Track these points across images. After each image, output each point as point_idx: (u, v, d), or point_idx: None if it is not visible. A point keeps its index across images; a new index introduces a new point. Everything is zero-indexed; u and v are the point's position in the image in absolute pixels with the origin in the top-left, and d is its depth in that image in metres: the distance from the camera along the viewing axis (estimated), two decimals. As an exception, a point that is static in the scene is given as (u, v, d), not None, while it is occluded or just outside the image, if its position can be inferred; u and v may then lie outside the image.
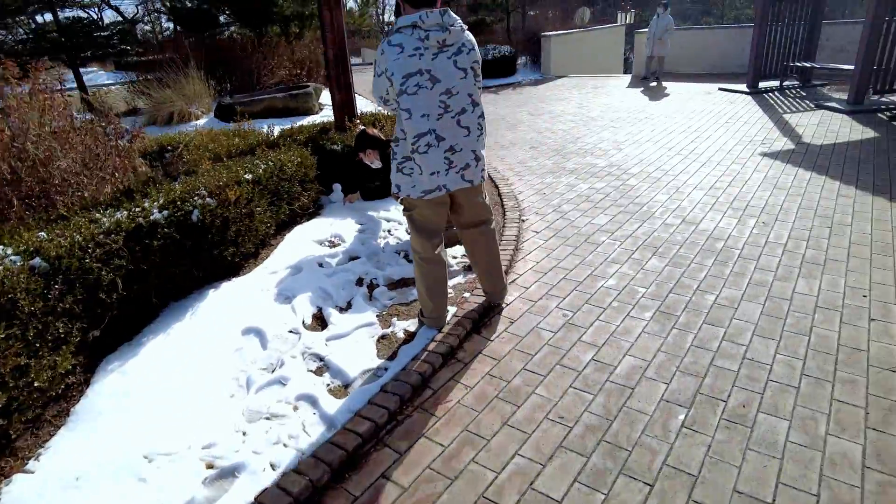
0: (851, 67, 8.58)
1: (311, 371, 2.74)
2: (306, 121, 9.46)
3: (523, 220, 4.67)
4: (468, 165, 2.62)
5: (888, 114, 7.65)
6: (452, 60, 2.45)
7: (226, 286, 3.25)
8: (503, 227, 4.49)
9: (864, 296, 3.21)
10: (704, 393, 2.49)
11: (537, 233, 4.41)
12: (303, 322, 3.06)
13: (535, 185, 5.64)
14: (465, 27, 2.52)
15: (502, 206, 5.00)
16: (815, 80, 10.51)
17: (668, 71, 13.10)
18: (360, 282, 3.48)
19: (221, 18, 13.24)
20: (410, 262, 3.85)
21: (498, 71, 14.23)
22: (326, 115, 10.12)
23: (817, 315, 3.04)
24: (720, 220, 4.40)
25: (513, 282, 3.61)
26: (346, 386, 2.66)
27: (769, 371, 2.61)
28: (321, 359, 2.80)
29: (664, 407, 2.42)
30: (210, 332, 2.87)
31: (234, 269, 3.40)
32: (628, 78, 13.08)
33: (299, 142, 4.75)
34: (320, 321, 3.12)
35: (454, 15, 2.45)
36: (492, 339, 3.00)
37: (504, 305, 3.32)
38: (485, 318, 3.19)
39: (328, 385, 2.65)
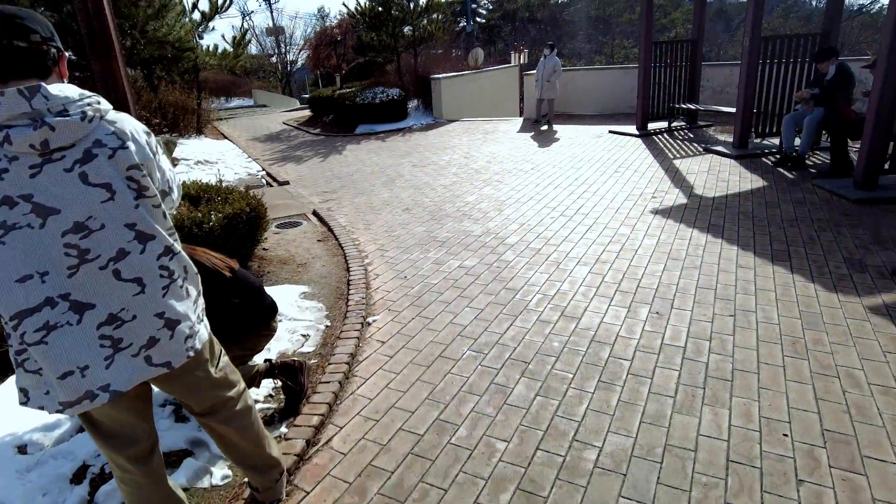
0: (733, 110, 8.41)
1: None
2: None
3: (368, 324, 3.65)
4: (155, 340, 1.54)
5: (772, 158, 7.42)
6: (78, 174, 1.38)
7: None
8: (337, 337, 3.44)
9: (785, 434, 2.42)
10: None
11: (383, 343, 3.40)
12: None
13: (398, 263, 4.67)
14: (108, 108, 1.46)
15: (346, 301, 3.96)
16: (700, 120, 10.44)
17: (559, 112, 12.83)
18: (79, 475, 2.28)
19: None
20: (185, 419, 2.70)
21: (387, 116, 13.43)
22: (179, 171, 8.78)
23: (730, 479, 2.19)
24: (606, 311, 3.59)
25: (327, 443, 2.55)
26: None
27: None
28: None
29: None
30: None
31: None
32: (520, 121, 12.68)
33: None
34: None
35: (66, 91, 1.38)
36: (262, 578, 1.90)
37: (302, 495, 2.25)
38: (263, 529, 2.10)
39: None
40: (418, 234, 5.38)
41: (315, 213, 6.24)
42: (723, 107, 9.23)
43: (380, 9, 14.94)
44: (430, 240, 5.21)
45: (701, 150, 8.35)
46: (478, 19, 47.20)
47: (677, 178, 6.79)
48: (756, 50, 7.60)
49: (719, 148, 8.13)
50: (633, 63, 31.55)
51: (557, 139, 10.00)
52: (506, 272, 4.32)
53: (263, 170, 9.10)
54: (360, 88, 14.62)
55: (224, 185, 4.82)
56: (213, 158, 9.88)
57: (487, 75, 16.09)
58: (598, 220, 5.38)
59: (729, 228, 4.97)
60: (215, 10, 12.91)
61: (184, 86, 13.78)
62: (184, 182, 4.68)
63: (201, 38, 13.07)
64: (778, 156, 7.40)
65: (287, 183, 8.00)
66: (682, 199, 5.93)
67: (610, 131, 10.30)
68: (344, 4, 21.39)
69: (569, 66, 29.94)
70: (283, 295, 3.92)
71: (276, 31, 45.81)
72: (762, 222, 5.08)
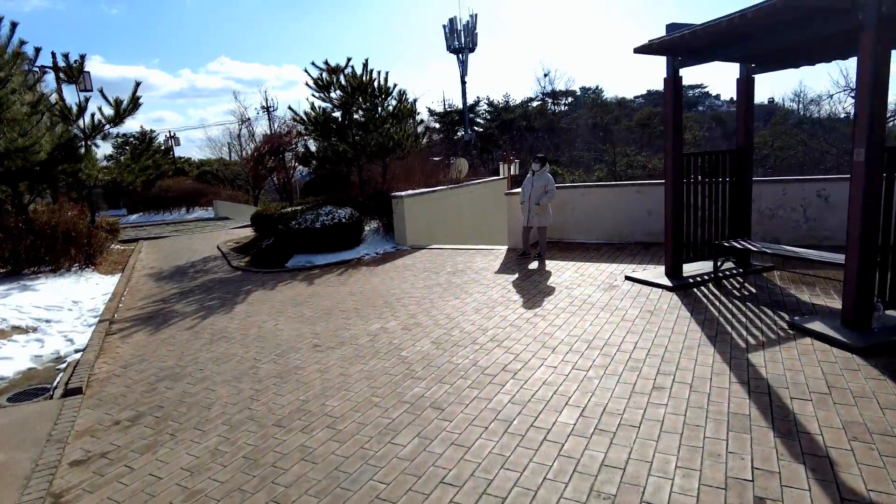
0: (836, 259, 5.21)
1: None
2: None
3: None
4: None
5: (943, 361, 4.06)
6: None
7: None
8: None
9: None
10: None
11: None
12: None
13: None
14: None
15: None
16: (754, 259, 7.25)
17: (553, 239, 9.73)
18: None
19: None
20: None
21: (333, 243, 10.35)
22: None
23: None
24: None
25: None
26: None
27: None
28: None
29: None
30: None
31: None
32: (503, 252, 9.53)
33: None
34: None
35: None
36: None
37: None
38: None
39: None
40: None
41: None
42: (811, 250, 5.98)
43: (336, 114, 12.38)
44: None
45: (784, 325, 5.04)
46: (475, 128, 46.46)
47: (782, 419, 3.38)
48: (877, 161, 4.50)
49: (818, 327, 4.80)
50: (637, 171, 29.30)
51: (551, 290, 6.73)
52: None
53: (85, 349, 5.77)
54: (309, 206, 11.72)
55: None
56: (33, 322, 6.62)
57: (468, 191, 13.27)
58: None
59: None
60: (119, 115, 10.25)
61: (80, 202, 10.90)
62: None
63: (97, 146, 10.34)
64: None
65: (78, 392, 4.62)
66: (841, 523, 2.48)
67: (627, 278, 7.06)
68: (290, 108, 19.22)
69: (567, 177, 27.57)
70: None
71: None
72: None
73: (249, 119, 47.53)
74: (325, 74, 12.11)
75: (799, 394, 3.73)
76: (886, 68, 4.43)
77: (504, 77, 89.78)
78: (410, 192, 11.13)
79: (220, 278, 9.48)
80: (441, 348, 5.02)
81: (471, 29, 41.86)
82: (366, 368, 4.68)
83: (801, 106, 48.29)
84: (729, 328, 5.07)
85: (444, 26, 41.85)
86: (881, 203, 4.64)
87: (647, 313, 5.63)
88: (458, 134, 45.22)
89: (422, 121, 16.32)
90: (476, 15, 42.51)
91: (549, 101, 49.97)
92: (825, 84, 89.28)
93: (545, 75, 60.50)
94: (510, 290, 6.98)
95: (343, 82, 12.14)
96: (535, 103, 49.01)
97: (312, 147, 15.40)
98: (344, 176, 15.22)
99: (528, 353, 4.74)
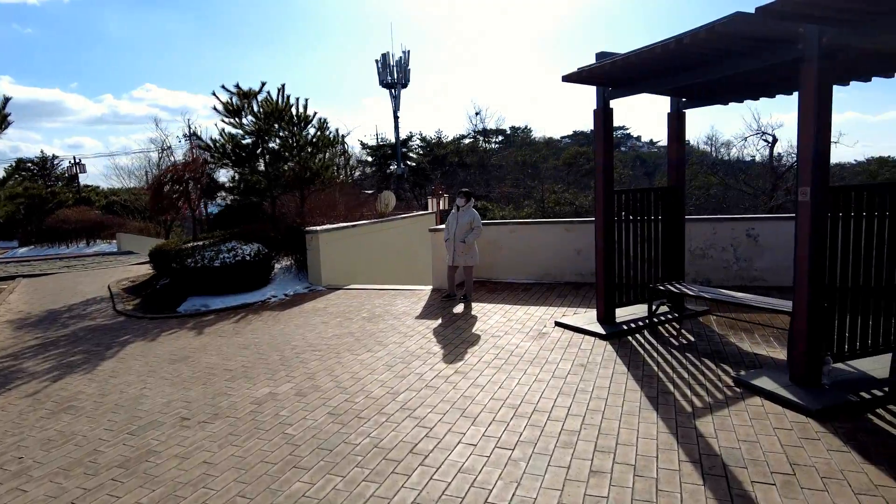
0: (782, 306, 4.78)
1: None
2: None
3: None
4: None
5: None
6: None
7: None
8: None
9: None
10: None
11: None
12: None
13: None
14: None
15: None
16: (688, 302, 6.84)
17: (481, 279, 9.07)
18: None
19: None
20: None
21: (235, 284, 9.24)
22: None
23: None
24: None
25: None
26: None
27: None
28: None
29: None
30: None
31: None
32: (427, 293, 8.76)
33: None
34: None
35: None
36: None
37: None
38: None
39: None
40: None
41: None
42: (754, 296, 5.55)
43: (246, 140, 11.37)
44: None
45: (729, 382, 4.52)
46: (408, 163, 46.06)
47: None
48: (823, 201, 4.10)
49: (766, 384, 4.31)
50: (565, 208, 29.56)
51: (476, 339, 5.99)
52: None
53: None
54: (213, 241, 10.54)
55: None
56: None
57: (393, 226, 12.50)
58: None
59: None
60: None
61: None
62: None
63: None
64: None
65: None
66: None
67: (558, 324, 6.44)
68: (195, 135, 18.05)
69: (497, 212, 27.39)
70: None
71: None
72: None
73: (171, 147, 44.88)
74: (235, 99, 11.13)
75: (760, 476, 3.11)
76: (828, 103, 4.07)
77: (437, 114, 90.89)
78: (327, 226, 10.22)
79: (97, 325, 8.12)
80: (339, 422, 4.11)
81: (403, 65, 41.93)
82: (238, 453, 3.70)
83: (713, 148, 51.33)
84: (671, 386, 4.48)
85: (376, 61, 41.72)
86: (825, 233, 4.23)
87: (580, 367, 4.98)
88: (391, 168, 44.71)
89: (344, 151, 15.51)
90: (409, 51, 42.55)
91: (481, 138, 50.54)
92: (736, 128, 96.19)
93: (476, 114, 61.25)
94: (431, 339, 6.19)
95: (256, 108, 11.19)
96: (466, 140, 49.37)
97: (225, 177, 14.23)
98: (256, 207, 14.07)
99: (443, 426, 3.92)
